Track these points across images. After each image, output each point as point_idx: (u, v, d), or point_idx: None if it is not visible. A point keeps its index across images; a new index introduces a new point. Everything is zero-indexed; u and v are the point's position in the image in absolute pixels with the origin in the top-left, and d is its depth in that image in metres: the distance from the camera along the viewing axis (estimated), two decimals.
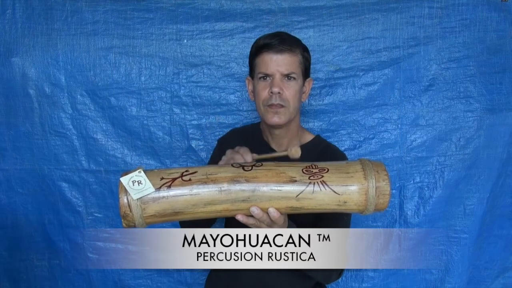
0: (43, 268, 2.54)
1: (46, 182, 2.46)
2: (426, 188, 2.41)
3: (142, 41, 2.39)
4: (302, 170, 1.49)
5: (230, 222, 2.04)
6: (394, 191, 2.41)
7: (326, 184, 1.46)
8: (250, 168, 1.49)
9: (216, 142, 2.20)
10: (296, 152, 1.65)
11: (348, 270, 2.49)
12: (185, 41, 2.39)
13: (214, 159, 2.05)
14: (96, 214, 2.50)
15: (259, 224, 1.51)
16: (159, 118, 2.43)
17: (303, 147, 1.90)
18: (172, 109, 2.43)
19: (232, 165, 1.52)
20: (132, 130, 2.44)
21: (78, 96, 2.41)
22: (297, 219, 1.68)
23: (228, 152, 1.66)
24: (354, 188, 1.47)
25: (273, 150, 1.95)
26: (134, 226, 1.46)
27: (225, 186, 1.44)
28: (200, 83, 2.41)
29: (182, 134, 2.44)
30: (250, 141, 1.99)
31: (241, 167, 1.50)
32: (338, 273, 1.86)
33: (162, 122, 2.43)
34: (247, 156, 1.61)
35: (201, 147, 2.45)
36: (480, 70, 2.36)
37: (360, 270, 2.51)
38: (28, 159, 2.44)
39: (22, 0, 2.36)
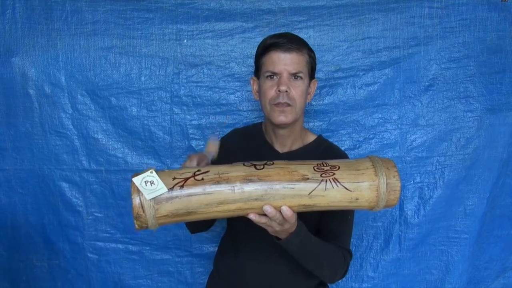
0: (42, 269, 2.53)
1: (46, 182, 2.46)
2: (426, 188, 2.42)
3: (142, 41, 2.39)
4: (314, 168, 1.51)
5: (233, 223, 2.05)
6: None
7: (338, 181, 1.48)
8: (262, 167, 1.50)
9: None
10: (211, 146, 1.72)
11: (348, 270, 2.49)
12: (185, 41, 2.39)
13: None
14: (96, 214, 2.50)
15: (270, 223, 1.51)
16: (159, 118, 2.43)
17: (306, 147, 1.94)
18: (172, 109, 2.43)
19: (243, 164, 1.52)
20: (133, 130, 2.44)
21: (78, 96, 2.41)
22: (302, 216, 1.67)
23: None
24: (365, 184, 1.49)
25: (275, 151, 1.95)
26: (147, 228, 1.45)
27: (238, 185, 1.45)
28: (200, 83, 2.41)
29: (182, 134, 2.45)
30: (251, 141, 2.01)
31: (252, 166, 1.50)
32: (343, 271, 1.87)
33: (163, 122, 2.43)
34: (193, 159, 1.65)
35: (202, 147, 2.43)
36: (480, 70, 2.36)
37: (360, 270, 2.51)
38: (28, 159, 2.44)
39: (22, 0, 2.36)
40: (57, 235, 2.51)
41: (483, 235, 2.50)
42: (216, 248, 2.20)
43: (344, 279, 2.48)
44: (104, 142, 2.44)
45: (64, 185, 2.47)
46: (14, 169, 2.45)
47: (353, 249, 2.44)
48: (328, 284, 2.10)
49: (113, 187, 2.48)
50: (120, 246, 2.53)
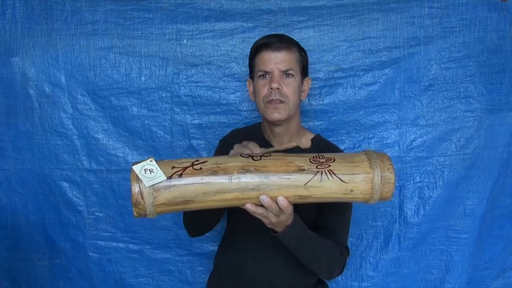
0: (43, 268, 2.54)
1: (47, 182, 2.46)
2: (426, 188, 2.42)
3: (142, 41, 2.39)
4: (310, 160, 1.53)
5: (232, 221, 2.08)
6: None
7: (333, 173, 1.50)
8: (259, 158, 1.52)
9: (217, 142, 2.21)
10: (306, 142, 1.77)
11: (347, 269, 2.49)
12: (185, 41, 2.39)
13: None
14: (97, 213, 2.51)
15: (267, 214, 1.53)
16: (160, 118, 2.44)
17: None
18: (173, 108, 2.43)
19: (241, 155, 1.55)
20: (133, 130, 2.44)
21: (79, 96, 2.41)
22: (300, 212, 1.69)
23: (236, 146, 1.67)
24: (360, 176, 1.51)
25: None
26: (145, 215, 1.47)
27: (235, 175, 1.47)
28: (200, 83, 2.42)
29: (183, 134, 2.45)
30: (251, 139, 2.01)
31: (250, 157, 1.53)
32: (340, 267, 1.88)
33: (163, 122, 2.44)
34: (256, 150, 1.63)
35: (202, 146, 2.45)
36: (480, 70, 2.36)
37: (360, 269, 2.52)
38: (29, 159, 2.44)
39: (22, 0, 2.36)
40: (58, 234, 2.52)
41: (483, 235, 2.50)
42: (216, 248, 2.21)
43: (343, 277, 2.52)
44: (104, 141, 2.45)
45: (65, 184, 2.47)
46: (15, 169, 2.45)
47: (353, 248, 2.46)
48: (327, 281, 2.12)
49: (114, 187, 2.48)
50: (121, 245, 2.54)
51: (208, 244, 2.55)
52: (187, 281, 2.59)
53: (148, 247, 2.55)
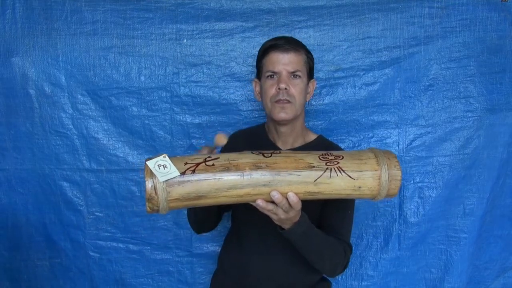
0: (44, 268, 2.54)
1: (47, 182, 2.46)
2: (425, 188, 2.42)
3: (142, 41, 2.39)
4: (319, 157, 1.57)
5: (237, 219, 2.10)
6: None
7: (342, 169, 1.53)
8: (269, 155, 1.56)
9: None
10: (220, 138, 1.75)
11: (348, 268, 2.48)
12: (185, 40, 2.39)
13: None
14: (97, 213, 2.51)
15: (276, 210, 1.55)
16: (159, 118, 2.44)
17: (307, 145, 2.00)
18: (173, 108, 2.43)
19: (252, 152, 1.58)
20: (133, 130, 2.44)
21: (79, 96, 2.41)
22: (305, 211, 1.69)
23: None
24: (368, 173, 1.55)
25: (278, 148, 2.00)
26: (158, 211, 1.49)
27: (247, 171, 1.49)
28: (200, 83, 2.41)
29: (183, 133, 2.45)
30: (255, 140, 2.08)
31: (260, 154, 1.56)
32: (343, 265, 1.91)
33: (163, 122, 2.44)
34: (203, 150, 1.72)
35: (203, 145, 2.42)
36: (480, 70, 2.37)
37: (360, 268, 2.53)
38: (29, 159, 2.44)
39: (22, 0, 2.35)
40: (58, 234, 2.52)
41: (483, 235, 2.50)
42: (217, 247, 2.23)
43: (343, 277, 2.52)
44: (104, 141, 2.45)
45: (65, 184, 2.47)
46: (15, 169, 2.45)
47: (353, 247, 2.43)
48: (330, 279, 2.15)
49: (114, 187, 2.48)
50: (121, 245, 2.54)
51: (208, 245, 2.55)
52: (187, 282, 2.59)
53: (148, 247, 2.55)
